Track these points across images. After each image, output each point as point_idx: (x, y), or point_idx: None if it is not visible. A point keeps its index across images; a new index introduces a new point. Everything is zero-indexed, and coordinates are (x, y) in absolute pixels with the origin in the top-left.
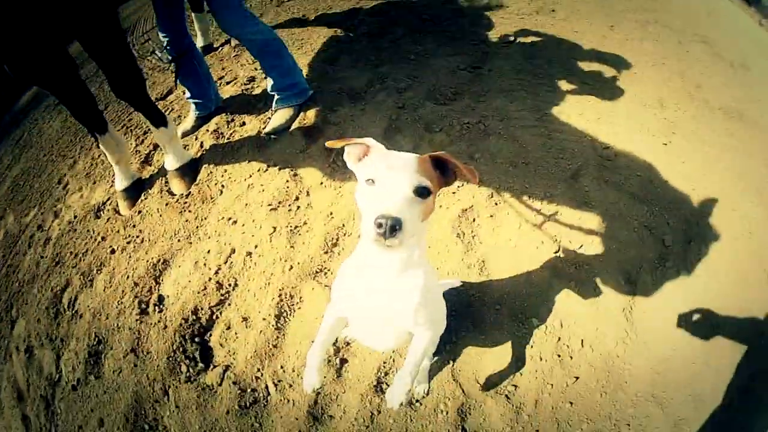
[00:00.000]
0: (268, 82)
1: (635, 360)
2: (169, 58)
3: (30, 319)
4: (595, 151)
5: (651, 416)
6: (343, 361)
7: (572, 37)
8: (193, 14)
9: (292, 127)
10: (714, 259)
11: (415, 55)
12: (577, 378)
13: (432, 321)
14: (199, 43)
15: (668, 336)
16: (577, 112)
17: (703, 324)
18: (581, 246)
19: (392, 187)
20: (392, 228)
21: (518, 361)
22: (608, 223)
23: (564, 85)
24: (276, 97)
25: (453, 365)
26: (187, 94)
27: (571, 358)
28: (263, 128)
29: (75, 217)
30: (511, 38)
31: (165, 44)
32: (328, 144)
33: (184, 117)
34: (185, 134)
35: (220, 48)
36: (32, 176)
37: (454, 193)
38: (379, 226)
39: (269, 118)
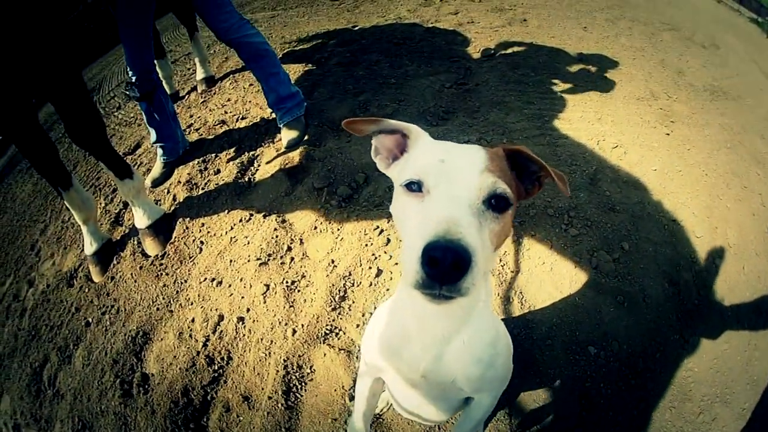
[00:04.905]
0: (268, 98)
1: (694, 364)
2: (138, 95)
3: (14, 396)
4: (606, 152)
5: (718, 417)
6: None
7: (550, 42)
8: (156, 61)
9: (275, 170)
10: (743, 242)
11: (395, 78)
12: (647, 401)
13: (499, 380)
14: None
15: (719, 331)
16: (577, 115)
17: (746, 309)
18: (618, 256)
19: (452, 194)
20: (455, 266)
21: (583, 399)
22: (639, 225)
23: (556, 89)
24: (280, 112)
25: (511, 420)
26: (153, 138)
27: (635, 380)
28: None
29: (48, 286)
30: (492, 50)
31: (134, 81)
32: (345, 123)
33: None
34: (155, 183)
35: (187, 96)
36: (6, 243)
37: None
38: (432, 263)
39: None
